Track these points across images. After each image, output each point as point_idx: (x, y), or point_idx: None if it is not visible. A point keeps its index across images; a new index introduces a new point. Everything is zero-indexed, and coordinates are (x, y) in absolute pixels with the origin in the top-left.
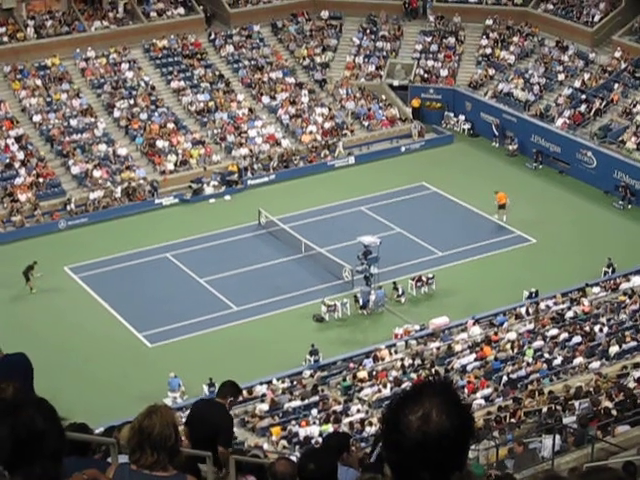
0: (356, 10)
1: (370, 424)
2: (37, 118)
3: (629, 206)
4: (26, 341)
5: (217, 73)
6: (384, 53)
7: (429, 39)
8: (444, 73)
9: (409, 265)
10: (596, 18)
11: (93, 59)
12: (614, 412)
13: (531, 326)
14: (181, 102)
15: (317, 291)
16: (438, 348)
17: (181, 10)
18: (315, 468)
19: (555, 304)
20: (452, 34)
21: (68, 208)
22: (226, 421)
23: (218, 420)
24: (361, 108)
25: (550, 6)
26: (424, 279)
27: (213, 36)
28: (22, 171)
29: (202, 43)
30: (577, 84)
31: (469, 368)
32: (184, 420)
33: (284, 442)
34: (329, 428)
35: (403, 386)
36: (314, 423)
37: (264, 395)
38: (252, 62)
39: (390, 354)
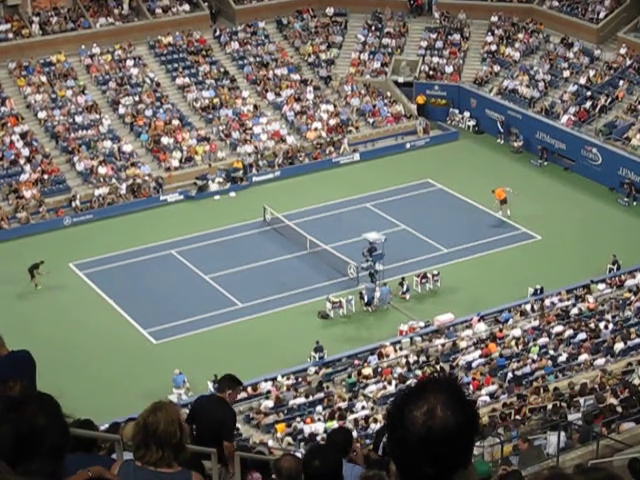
0: (361, 7)
1: (375, 421)
2: (42, 115)
3: (634, 203)
4: (31, 338)
5: (222, 70)
6: (389, 50)
7: (434, 36)
8: (449, 70)
9: (414, 262)
10: (601, 15)
11: (98, 56)
12: (619, 409)
13: (536, 323)
14: (186, 99)
15: (322, 288)
16: (443, 345)
17: (186, 7)
18: (320, 465)
19: (560, 301)
20: (457, 31)
21: (73, 205)
22: (228, 415)
23: (220, 415)
24: (366, 105)
25: (555, 3)
26: (429, 276)
27: (218, 33)
28: (27, 167)
29: (207, 40)
30: (582, 81)
31: (474, 365)
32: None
33: (289, 439)
34: (334, 425)
35: (408, 383)
36: (319, 420)
37: (269, 392)
38: (257, 59)
39: (395, 351)
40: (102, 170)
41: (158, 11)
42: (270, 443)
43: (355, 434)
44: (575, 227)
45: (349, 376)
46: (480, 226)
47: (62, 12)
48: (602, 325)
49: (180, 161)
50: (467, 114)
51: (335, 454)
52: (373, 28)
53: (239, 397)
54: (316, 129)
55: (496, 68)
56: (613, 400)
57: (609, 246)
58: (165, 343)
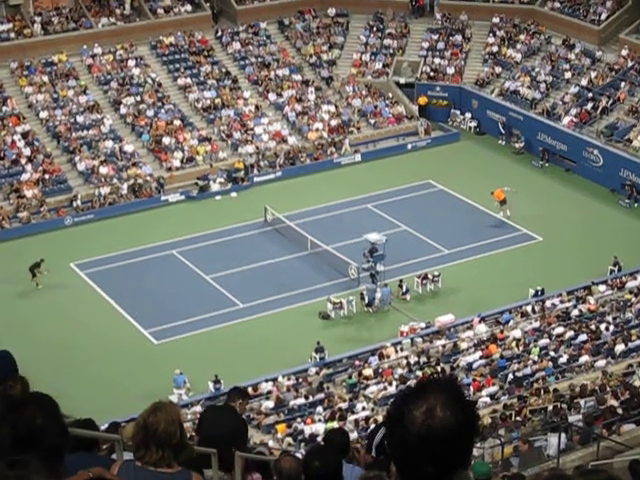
0: (363, 8)
1: (375, 422)
2: (44, 114)
3: (635, 204)
4: (32, 337)
5: (224, 70)
6: (391, 51)
7: (436, 37)
8: (451, 71)
9: (415, 263)
10: (603, 16)
11: (100, 56)
12: (620, 410)
13: (537, 324)
14: (188, 99)
15: (323, 288)
16: (444, 346)
17: (188, 7)
18: (320, 465)
19: (561, 302)
20: (459, 32)
21: (74, 204)
22: (241, 424)
23: (233, 424)
24: (367, 105)
25: (557, 4)
26: (430, 277)
27: (220, 33)
28: (28, 167)
29: (209, 40)
30: (584, 82)
31: (475, 366)
32: (189, 423)
33: (289, 439)
34: (334, 425)
35: (408, 384)
36: (319, 420)
37: (269, 392)
38: (259, 59)
39: (396, 352)
40: (103, 170)
41: (160, 11)
42: (270, 444)
43: (355, 435)
44: (576, 228)
45: (350, 377)
46: (481, 227)
47: (64, 12)
48: (603, 327)
49: (181, 161)
50: (468, 115)
51: (335, 455)
52: (375, 29)
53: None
54: (317, 130)
55: (497, 69)
56: (614, 402)
57: (610, 248)
58: (166, 343)
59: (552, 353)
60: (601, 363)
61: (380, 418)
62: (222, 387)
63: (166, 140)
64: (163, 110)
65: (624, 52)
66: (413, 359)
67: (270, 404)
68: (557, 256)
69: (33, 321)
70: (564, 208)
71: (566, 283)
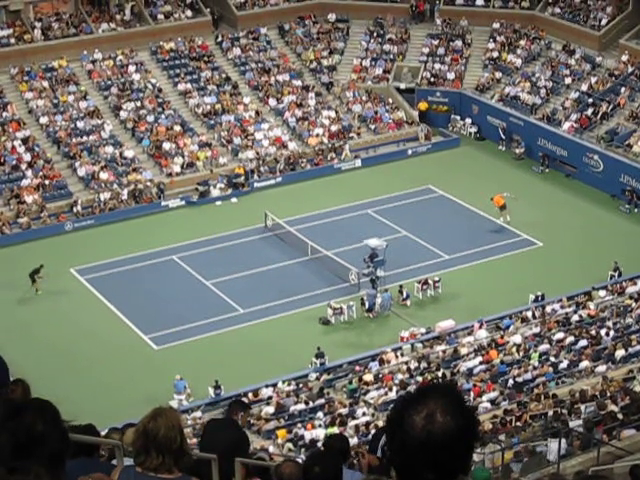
0: (363, 13)
1: (376, 427)
2: (44, 120)
3: (635, 210)
4: (32, 343)
5: (224, 76)
6: (391, 56)
7: (436, 42)
8: (451, 76)
9: (415, 268)
10: (603, 22)
11: (100, 61)
12: (620, 416)
13: (537, 329)
14: (188, 104)
15: (323, 294)
16: (444, 351)
17: (188, 13)
18: (320, 471)
19: (561, 307)
20: (459, 37)
21: (74, 210)
22: (243, 436)
23: (236, 436)
24: (368, 111)
25: (557, 10)
26: (430, 282)
27: (220, 39)
28: (29, 173)
29: (209, 45)
30: (584, 88)
31: (475, 371)
32: (189, 429)
33: (290, 445)
34: (335, 431)
35: (409, 389)
36: (320, 426)
37: (270, 398)
38: (259, 65)
39: (396, 357)
40: (103, 175)
41: (160, 17)
42: (271, 449)
43: (356, 440)
44: (576, 234)
45: (350, 382)
46: (481, 232)
47: (64, 17)
48: (603, 332)
49: (182, 167)
50: (469, 121)
51: (335, 460)
52: (375, 34)
53: None
54: (318, 135)
55: (498, 75)
56: (614, 407)
57: (610, 253)
58: (166, 349)
59: (552, 358)
60: (601, 368)
61: (380, 423)
62: (222, 393)
63: (166, 146)
64: (163, 116)
65: (624, 58)
66: (413, 364)
67: (270, 409)
68: (557, 261)
69: (33, 327)
70: (564, 213)
71: (566, 288)
